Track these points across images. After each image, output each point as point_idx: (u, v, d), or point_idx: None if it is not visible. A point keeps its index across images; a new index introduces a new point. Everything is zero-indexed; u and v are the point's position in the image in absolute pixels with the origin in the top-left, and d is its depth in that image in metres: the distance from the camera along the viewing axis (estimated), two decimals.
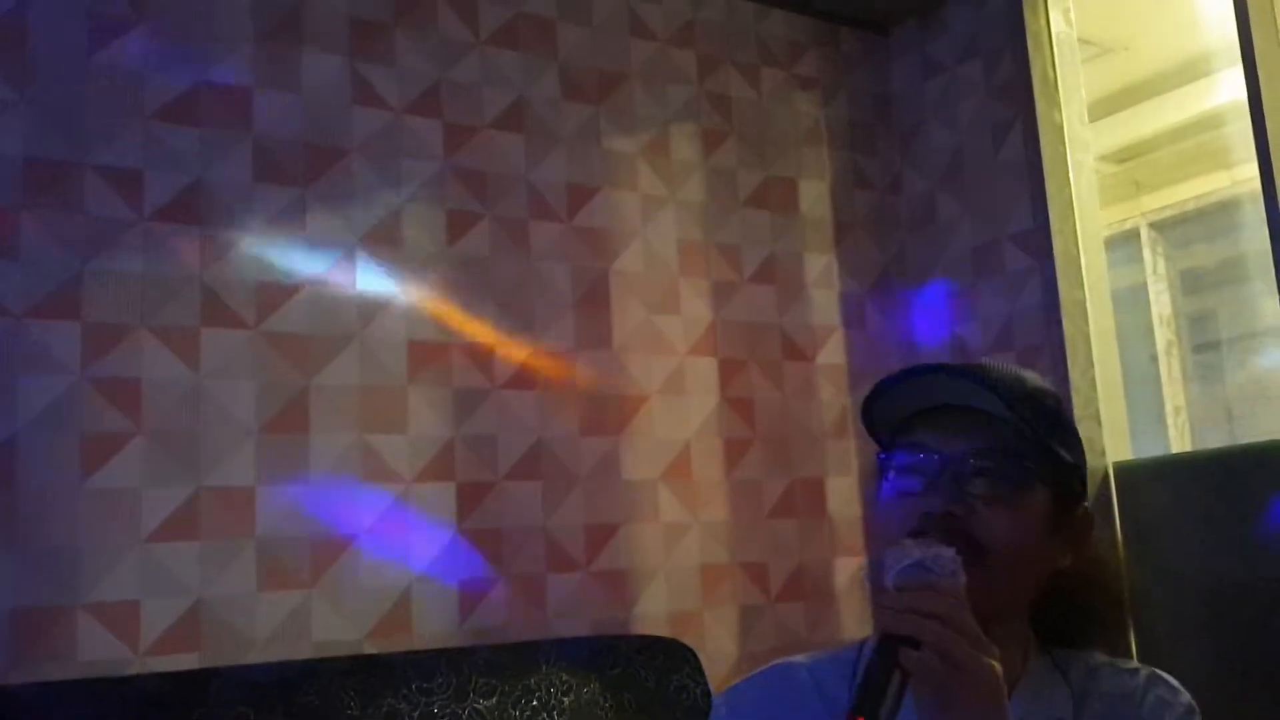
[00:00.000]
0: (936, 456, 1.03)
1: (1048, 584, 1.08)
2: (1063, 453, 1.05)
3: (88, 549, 1.66)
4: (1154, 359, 3.55)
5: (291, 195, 1.90)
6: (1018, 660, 1.07)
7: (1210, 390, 3.60)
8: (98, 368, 1.70)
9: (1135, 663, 1.11)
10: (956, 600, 0.91)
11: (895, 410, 1.08)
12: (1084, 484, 1.09)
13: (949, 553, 0.95)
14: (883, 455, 1.09)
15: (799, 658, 1.16)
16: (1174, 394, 3.53)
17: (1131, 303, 3.58)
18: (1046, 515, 1.04)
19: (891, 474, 1.07)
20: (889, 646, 0.89)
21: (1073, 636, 1.13)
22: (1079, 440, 1.10)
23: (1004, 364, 1.13)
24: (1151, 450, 3.33)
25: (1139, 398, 3.44)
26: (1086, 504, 1.10)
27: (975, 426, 1.03)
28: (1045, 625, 1.12)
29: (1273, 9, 2.06)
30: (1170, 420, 3.52)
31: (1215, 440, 3.55)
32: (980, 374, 1.05)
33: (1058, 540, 1.06)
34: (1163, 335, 3.56)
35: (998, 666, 0.90)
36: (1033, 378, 1.11)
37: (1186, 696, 1.07)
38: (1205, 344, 3.63)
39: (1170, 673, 1.08)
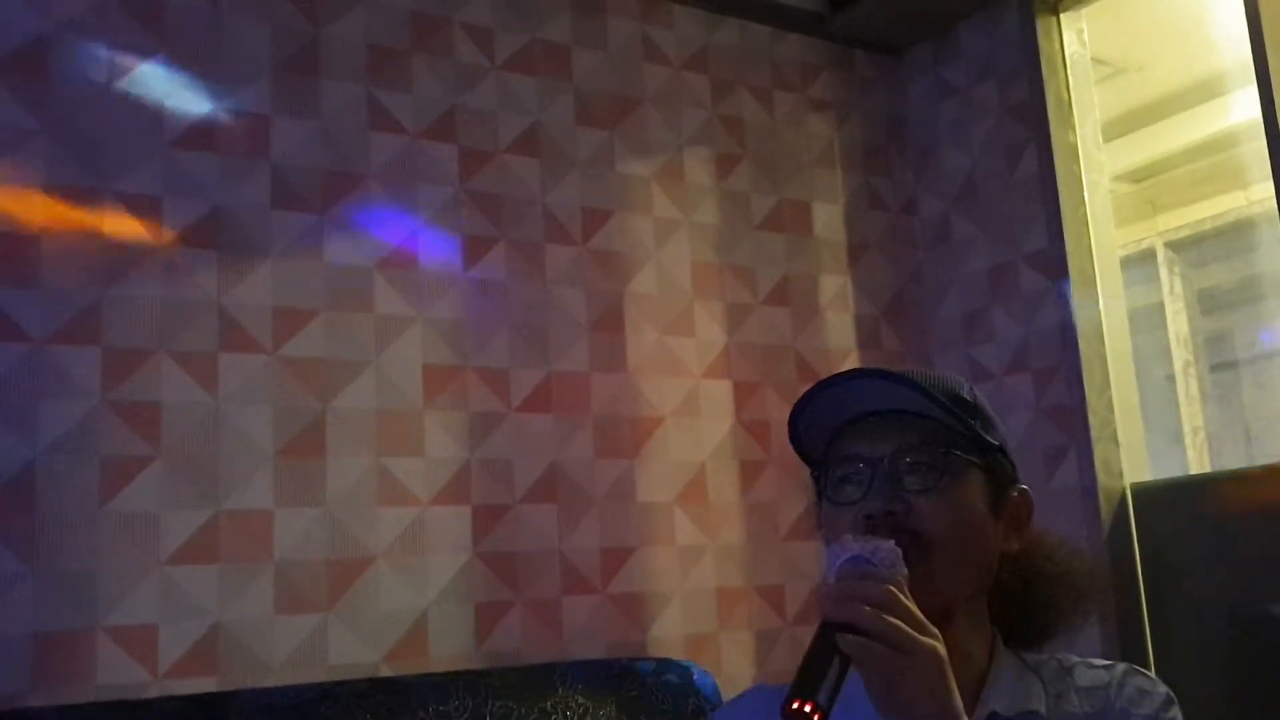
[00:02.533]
0: (869, 462, 1.07)
1: (1003, 578, 1.11)
2: (987, 436, 1.09)
3: (107, 572, 1.67)
4: (1171, 379, 3.54)
5: (309, 221, 1.92)
6: (983, 653, 1.09)
7: (1228, 410, 3.58)
8: (117, 392, 1.72)
9: (1109, 661, 1.12)
10: (895, 585, 0.93)
11: (821, 426, 1.11)
12: (1013, 465, 1.13)
13: (887, 544, 0.98)
14: (816, 473, 1.13)
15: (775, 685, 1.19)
16: (1191, 414, 3.51)
17: (1149, 322, 3.57)
18: (983, 499, 1.08)
19: (829, 488, 1.10)
20: (827, 632, 0.91)
21: (1036, 634, 1.14)
22: (998, 422, 1.13)
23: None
24: (1170, 471, 3.31)
25: (1157, 418, 3.43)
26: (1024, 487, 1.13)
27: (899, 426, 1.07)
28: (1007, 623, 1.14)
29: None
30: (1189, 440, 3.50)
31: (1234, 460, 3.53)
32: (894, 375, 1.08)
33: (999, 524, 1.10)
34: (1180, 355, 3.55)
35: (939, 647, 0.91)
36: (942, 372, 1.15)
37: (1164, 688, 1.09)
38: (1222, 364, 3.61)
39: (1190, 694, 1.08)
